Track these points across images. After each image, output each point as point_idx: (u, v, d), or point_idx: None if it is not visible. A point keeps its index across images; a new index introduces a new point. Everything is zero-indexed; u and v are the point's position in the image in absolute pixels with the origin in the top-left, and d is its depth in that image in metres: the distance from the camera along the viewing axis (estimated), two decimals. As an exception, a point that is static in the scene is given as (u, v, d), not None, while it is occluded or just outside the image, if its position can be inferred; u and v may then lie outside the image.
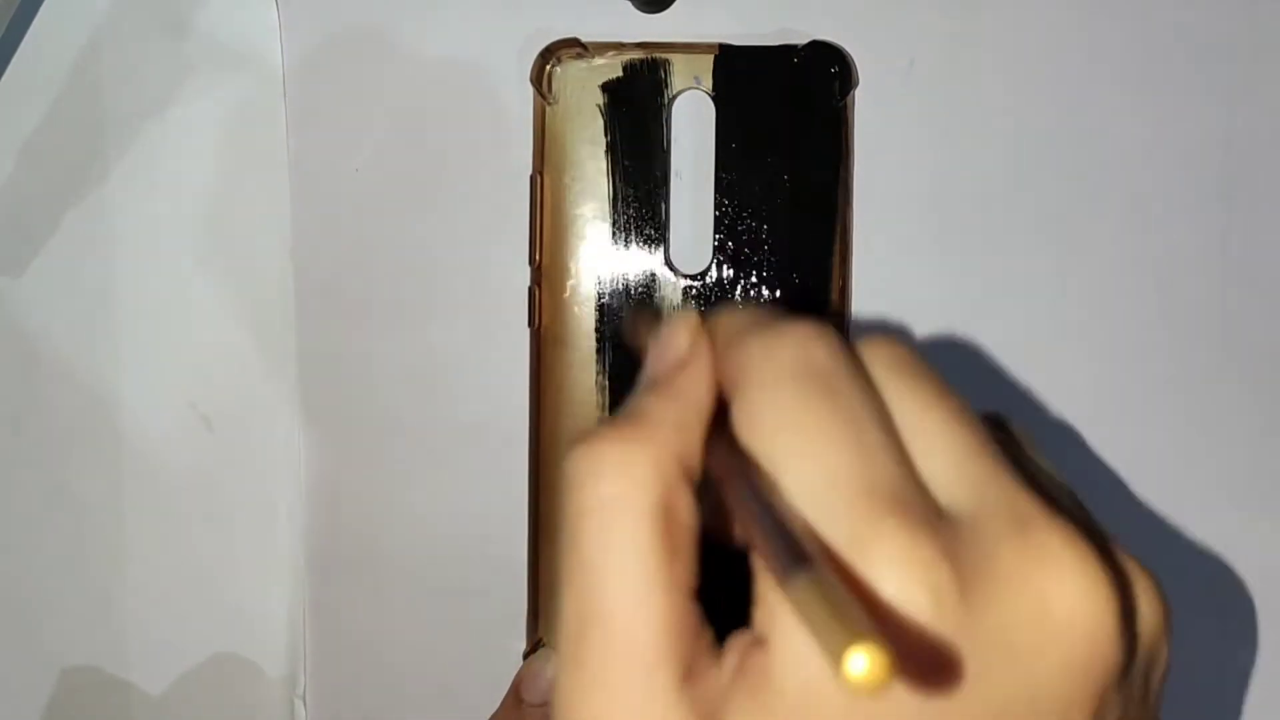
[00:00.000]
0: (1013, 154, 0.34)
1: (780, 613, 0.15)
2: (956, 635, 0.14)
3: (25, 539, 0.35)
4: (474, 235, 0.34)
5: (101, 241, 0.35)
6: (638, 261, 0.33)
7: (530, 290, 0.33)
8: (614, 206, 0.33)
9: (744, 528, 0.15)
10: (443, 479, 0.34)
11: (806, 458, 0.15)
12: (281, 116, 0.34)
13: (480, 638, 0.34)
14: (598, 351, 0.33)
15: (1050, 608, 0.14)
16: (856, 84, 0.33)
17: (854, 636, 0.12)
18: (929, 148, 0.34)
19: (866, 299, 0.33)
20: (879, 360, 0.17)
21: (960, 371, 0.34)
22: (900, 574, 0.14)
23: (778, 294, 0.33)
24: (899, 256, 0.34)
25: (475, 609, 0.35)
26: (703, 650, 0.16)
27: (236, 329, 0.35)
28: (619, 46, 0.33)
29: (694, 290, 0.33)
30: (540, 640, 0.34)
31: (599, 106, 0.33)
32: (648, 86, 0.33)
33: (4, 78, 0.35)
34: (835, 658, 0.12)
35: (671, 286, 0.33)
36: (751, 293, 0.33)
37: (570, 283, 0.33)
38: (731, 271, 0.33)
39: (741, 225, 0.33)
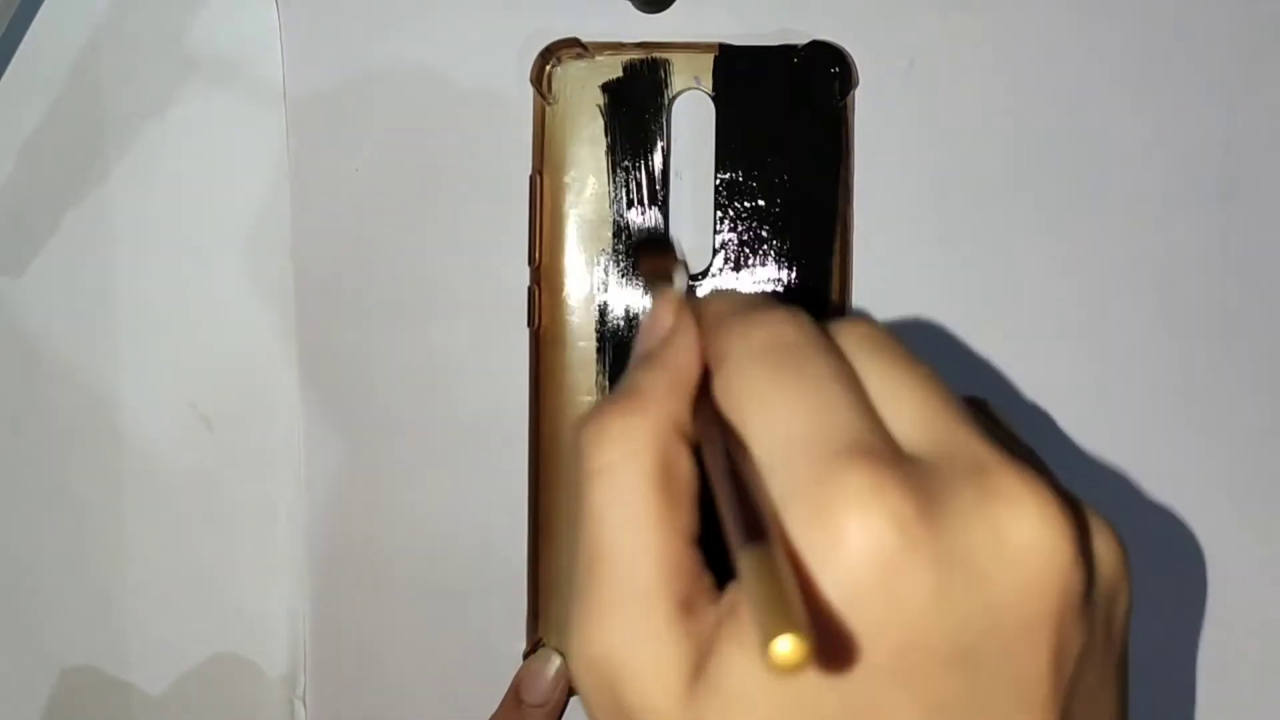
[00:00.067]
0: (1013, 154, 0.34)
1: None
2: (918, 558, 0.15)
3: (25, 539, 0.35)
4: (474, 235, 0.34)
5: (101, 241, 0.35)
6: (637, 261, 0.33)
7: (530, 290, 0.33)
8: (614, 206, 0.33)
9: (718, 500, 0.17)
10: (443, 479, 0.34)
11: (771, 417, 0.16)
12: (281, 116, 0.34)
13: (480, 638, 0.34)
14: (598, 351, 0.33)
15: (1008, 536, 0.15)
16: (856, 84, 0.33)
17: (786, 623, 0.13)
18: (929, 148, 0.34)
19: (866, 299, 0.33)
20: (850, 337, 0.18)
21: (960, 371, 0.34)
22: (863, 505, 0.15)
23: (777, 294, 0.33)
24: (899, 256, 0.34)
25: (475, 609, 0.35)
26: (702, 590, 0.17)
27: (236, 329, 0.35)
28: (619, 46, 0.33)
29: (694, 290, 0.33)
30: (540, 640, 0.34)
31: (599, 106, 0.33)
32: (648, 86, 0.33)
33: (4, 78, 0.35)
34: (766, 636, 0.13)
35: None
36: (751, 292, 0.33)
37: (570, 283, 0.33)
38: (731, 271, 0.33)
39: (741, 225, 0.33)
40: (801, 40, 0.33)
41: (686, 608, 0.17)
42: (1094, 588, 0.16)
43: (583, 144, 0.33)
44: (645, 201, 0.33)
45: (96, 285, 0.35)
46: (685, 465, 0.18)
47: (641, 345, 0.20)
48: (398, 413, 0.34)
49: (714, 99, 0.33)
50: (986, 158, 0.34)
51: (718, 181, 0.33)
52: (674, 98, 0.33)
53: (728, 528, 0.16)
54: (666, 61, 0.33)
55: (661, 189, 0.33)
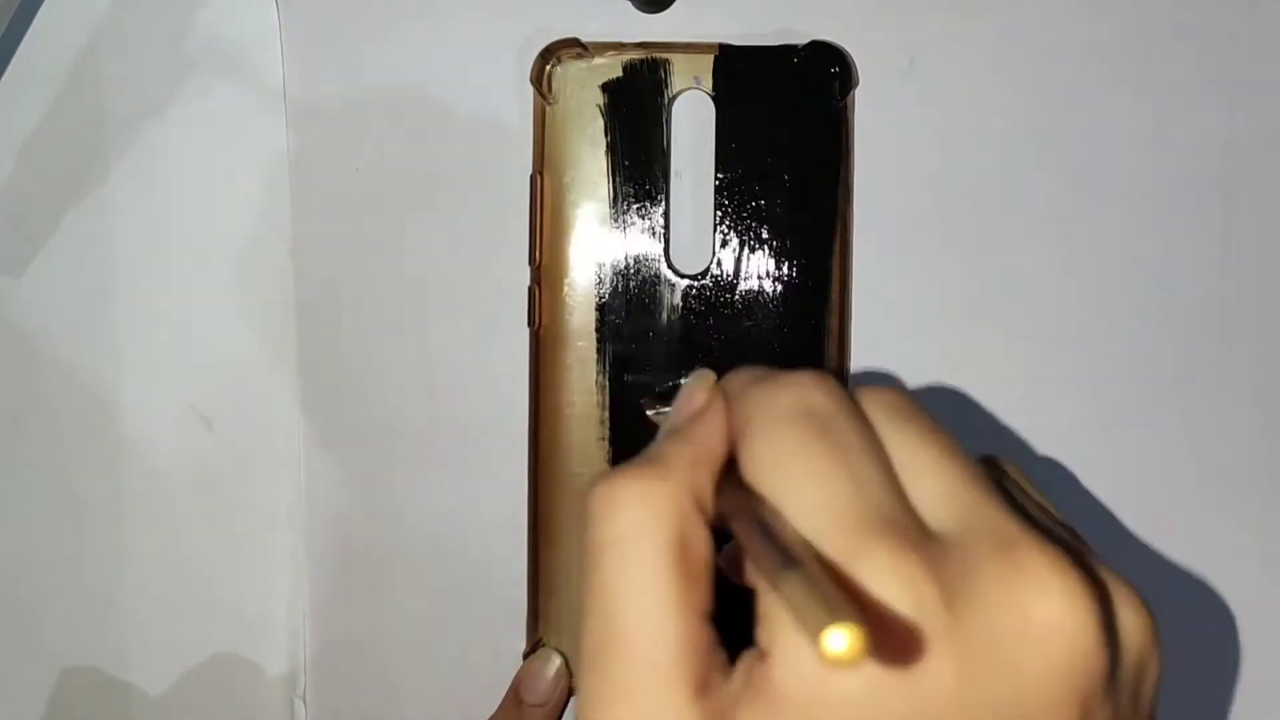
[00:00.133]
0: (1013, 154, 0.34)
1: (779, 624, 0.15)
2: (941, 642, 0.15)
3: (25, 539, 0.35)
4: (474, 235, 0.34)
5: (101, 241, 0.35)
6: (638, 261, 0.33)
7: (530, 290, 0.33)
8: (614, 206, 0.33)
9: (748, 552, 0.16)
10: (443, 479, 0.34)
11: (801, 486, 0.16)
12: (281, 116, 0.34)
13: (480, 638, 0.34)
14: (598, 351, 0.33)
15: (1032, 617, 0.15)
16: (856, 84, 0.33)
17: (833, 616, 0.13)
18: (929, 148, 0.34)
19: (866, 299, 0.33)
20: (876, 405, 0.18)
21: (959, 372, 0.34)
22: (887, 587, 0.15)
23: (778, 294, 0.33)
24: (899, 256, 0.34)
25: (475, 609, 0.35)
26: (716, 668, 0.17)
27: (236, 329, 0.35)
28: (619, 46, 0.33)
29: (694, 290, 0.33)
30: (540, 640, 0.34)
31: (599, 106, 0.33)
32: (648, 86, 0.33)
33: (4, 78, 0.35)
34: (815, 637, 0.13)
35: (671, 286, 0.33)
36: (751, 293, 0.33)
37: (570, 283, 0.33)
38: (731, 271, 0.33)
39: (741, 225, 0.33)
40: (801, 40, 0.33)
41: (703, 689, 0.16)
42: (1120, 665, 0.16)
43: (583, 144, 0.33)
44: (645, 201, 0.33)
45: (96, 285, 0.35)
46: (702, 541, 0.17)
47: (669, 422, 0.20)
48: (398, 413, 0.34)
49: (714, 99, 0.33)
50: (986, 158, 0.34)
51: (718, 181, 0.33)
52: (674, 98, 0.33)
53: (763, 572, 0.15)
54: (666, 61, 0.33)
55: (661, 189, 0.33)
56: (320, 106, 0.34)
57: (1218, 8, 0.33)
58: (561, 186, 0.33)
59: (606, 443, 0.33)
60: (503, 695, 0.33)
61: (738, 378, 0.19)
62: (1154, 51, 0.33)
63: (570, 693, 0.34)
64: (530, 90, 0.33)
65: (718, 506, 0.18)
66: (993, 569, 0.15)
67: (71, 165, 0.35)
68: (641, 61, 0.33)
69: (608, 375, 0.33)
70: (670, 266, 0.33)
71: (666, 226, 0.33)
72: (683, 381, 0.21)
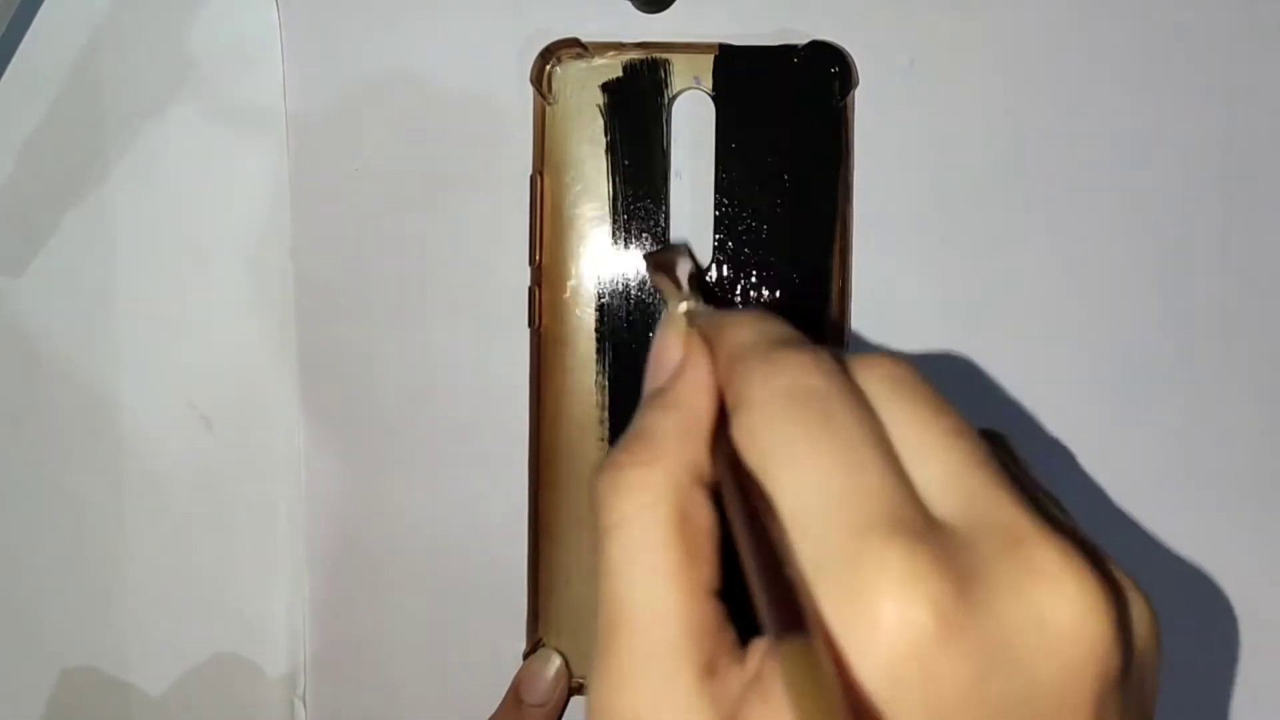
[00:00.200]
0: (1013, 154, 0.34)
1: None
2: (956, 643, 0.14)
3: (25, 539, 0.35)
4: (474, 235, 0.34)
5: (101, 241, 0.35)
6: (638, 261, 0.33)
7: (530, 290, 0.33)
8: (614, 206, 0.33)
9: (744, 558, 0.16)
10: (443, 479, 0.34)
11: (801, 478, 0.16)
12: (281, 116, 0.34)
13: (480, 638, 0.34)
14: (598, 351, 0.33)
15: (1047, 619, 0.15)
16: (856, 84, 0.33)
17: (828, 714, 0.13)
18: (929, 148, 0.34)
19: (866, 298, 0.33)
20: (875, 378, 0.17)
21: (959, 372, 0.34)
22: (898, 588, 0.14)
23: (778, 294, 0.33)
24: (899, 256, 0.34)
25: (475, 609, 0.35)
26: (725, 648, 0.17)
27: (236, 329, 0.35)
28: (619, 46, 0.33)
29: (704, 286, 0.33)
30: (540, 640, 0.34)
31: (599, 106, 0.33)
32: (648, 86, 0.33)
33: (4, 78, 0.35)
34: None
35: (671, 286, 0.33)
36: (751, 292, 0.33)
37: (570, 283, 0.33)
38: (731, 271, 0.33)
39: (741, 225, 0.33)
40: (801, 40, 0.33)
41: (710, 669, 0.16)
42: (1130, 663, 0.16)
43: (583, 144, 0.33)
44: (645, 201, 0.33)
45: (96, 285, 0.35)
46: (704, 513, 0.17)
47: (651, 380, 0.19)
48: (398, 413, 0.34)
49: (714, 99, 0.33)
50: (986, 158, 0.34)
51: (717, 181, 0.33)
52: (674, 98, 0.33)
53: (758, 599, 0.15)
54: (666, 61, 0.33)
55: (662, 189, 0.33)
56: (320, 106, 0.34)
57: (1218, 8, 0.33)
58: (561, 186, 0.33)
59: (606, 443, 0.33)
60: (503, 695, 0.33)
61: (729, 334, 0.19)
62: (1154, 51, 0.33)
63: (570, 693, 0.34)
64: (530, 90, 0.33)
65: (713, 471, 0.18)
66: (1005, 566, 0.15)
67: (71, 165, 0.35)
68: (641, 61, 0.33)
69: (608, 375, 0.33)
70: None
71: (666, 226, 0.33)
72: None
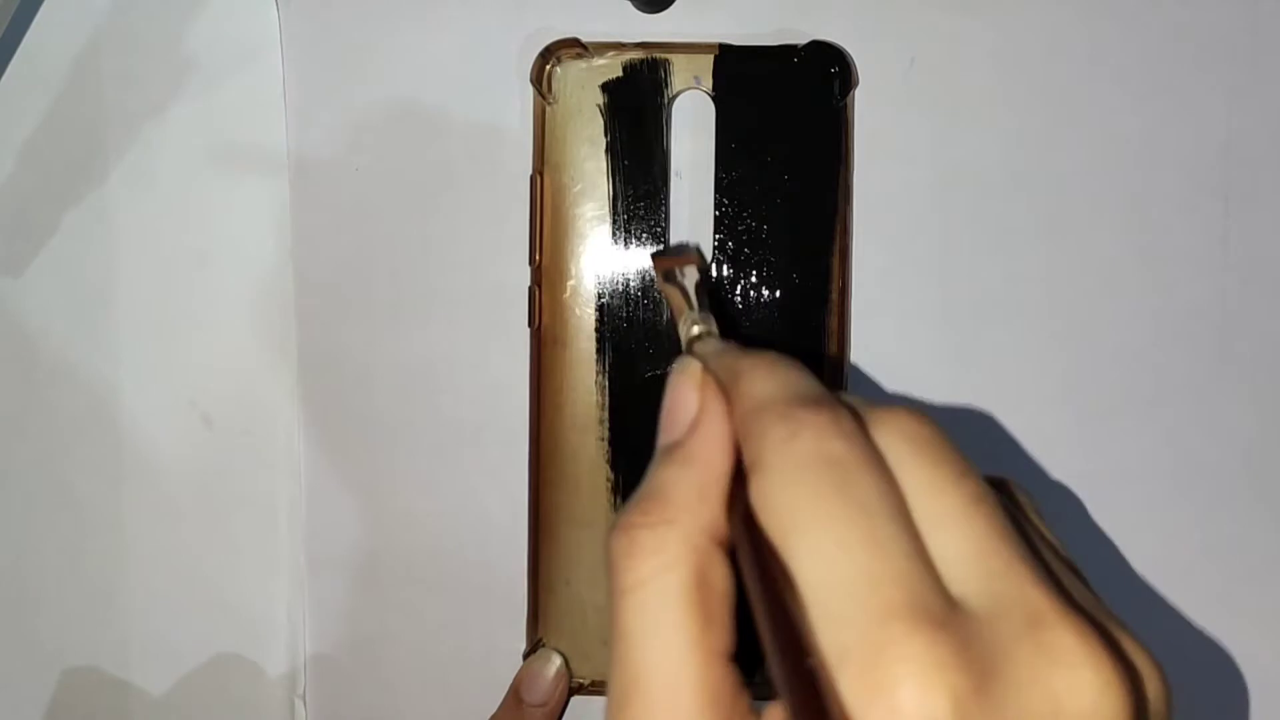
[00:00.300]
0: (1013, 154, 0.34)
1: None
2: None
3: (25, 539, 0.35)
4: (474, 235, 0.34)
5: (101, 241, 0.35)
6: (638, 261, 0.33)
7: (530, 290, 0.33)
8: (614, 206, 0.33)
9: (761, 629, 0.16)
10: (443, 479, 0.34)
11: (820, 553, 0.16)
12: (281, 116, 0.34)
13: (480, 638, 0.34)
14: (598, 351, 0.33)
15: (1064, 705, 0.15)
16: (856, 84, 0.33)
17: None
18: (929, 148, 0.34)
19: (866, 299, 0.33)
20: (896, 436, 0.17)
21: (958, 371, 0.34)
22: (917, 679, 0.14)
23: (778, 294, 0.33)
24: (899, 256, 0.34)
25: (475, 609, 0.35)
26: (740, 713, 0.16)
27: (236, 329, 0.35)
28: (619, 46, 0.33)
29: (708, 292, 0.33)
30: (540, 640, 0.34)
31: (599, 106, 0.33)
32: (648, 86, 0.33)
33: (4, 78, 0.35)
34: None
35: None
36: (751, 293, 0.33)
37: (570, 283, 0.33)
38: (731, 271, 0.33)
39: (741, 225, 0.33)
40: (801, 40, 0.33)
41: None
42: None
43: (583, 144, 0.33)
44: (645, 201, 0.33)
45: (96, 285, 0.35)
46: (721, 576, 0.17)
47: (665, 431, 0.19)
48: (398, 412, 0.34)
49: (714, 99, 0.33)
50: (986, 158, 0.34)
51: (717, 181, 0.33)
52: (674, 98, 0.33)
53: (777, 681, 0.15)
54: (666, 61, 0.33)
55: (661, 189, 0.33)
56: (320, 107, 0.34)
57: (1218, 8, 0.33)
58: (561, 186, 0.33)
59: (606, 443, 0.33)
60: (503, 695, 0.33)
61: (746, 386, 0.18)
62: (1154, 51, 0.33)
63: (570, 693, 0.34)
64: (530, 90, 0.33)
65: (729, 531, 0.17)
66: (1023, 650, 0.15)
67: (71, 165, 0.35)
68: (641, 61, 0.33)
69: (608, 375, 0.33)
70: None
71: (666, 226, 0.33)
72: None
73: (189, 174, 0.35)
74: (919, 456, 0.17)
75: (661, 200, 0.33)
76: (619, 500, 0.33)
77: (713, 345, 0.21)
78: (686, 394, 0.19)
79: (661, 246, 0.33)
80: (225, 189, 0.35)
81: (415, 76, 0.34)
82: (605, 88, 0.33)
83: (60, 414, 0.35)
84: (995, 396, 0.34)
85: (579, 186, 0.33)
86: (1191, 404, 0.34)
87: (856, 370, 0.34)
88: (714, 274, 0.33)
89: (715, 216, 0.33)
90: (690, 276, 0.23)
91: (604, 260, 0.33)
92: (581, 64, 0.33)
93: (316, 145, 0.34)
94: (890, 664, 0.14)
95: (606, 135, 0.33)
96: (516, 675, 0.33)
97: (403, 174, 0.34)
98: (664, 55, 0.33)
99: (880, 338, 0.34)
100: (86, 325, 0.35)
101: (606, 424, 0.33)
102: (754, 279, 0.33)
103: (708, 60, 0.33)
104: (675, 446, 0.18)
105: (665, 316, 0.33)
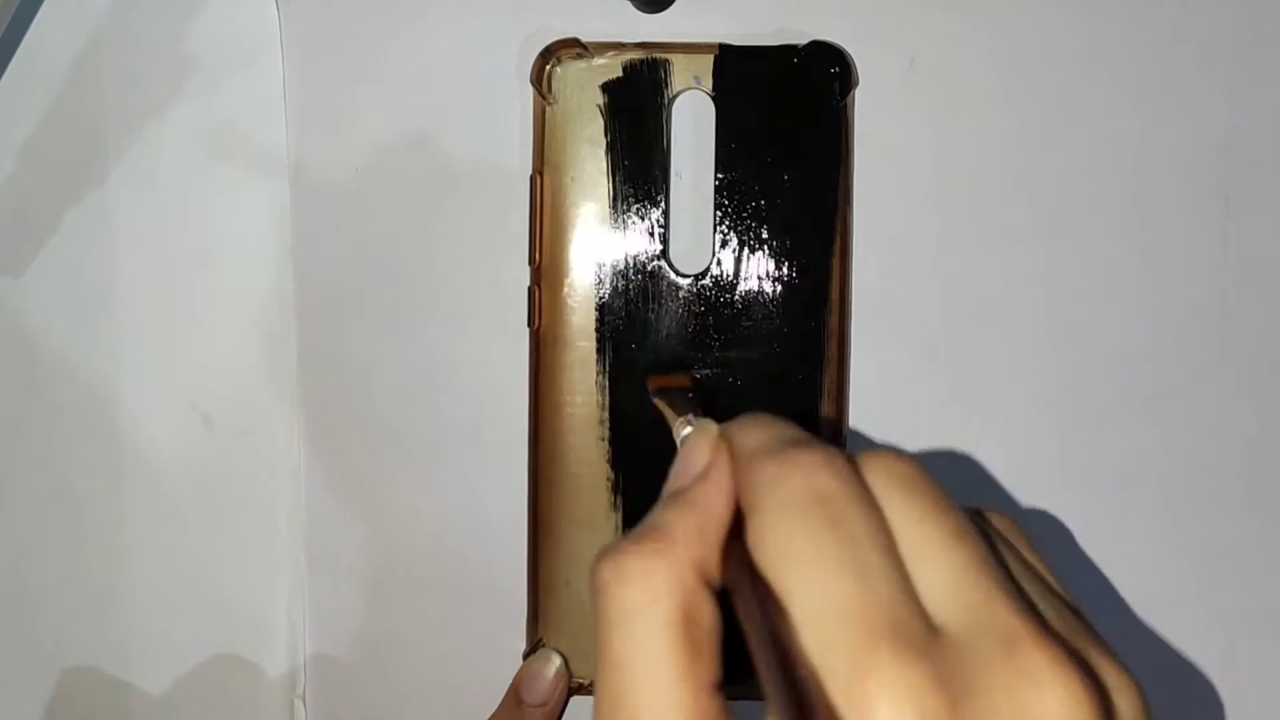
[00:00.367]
0: (1013, 154, 0.34)
1: None
2: None
3: (25, 539, 0.35)
4: (474, 235, 0.34)
5: (101, 241, 0.35)
6: (638, 261, 0.33)
7: (530, 290, 0.33)
8: (614, 206, 0.33)
9: (756, 660, 0.17)
10: (443, 479, 0.34)
11: (810, 588, 0.16)
12: (281, 116, 0.34)
13: (480, 638, 0.34)
14: (598, 351, 0.33)
15: None
16: (856, 84, 0.33)
17: None
18: (929, 148, 0.34)
19: (866, 298, 0.33)
20: (883, 474, 0.18)
21: (958, 371, 0.34)
22: (893, 702, 0.15)
23: (777, 294, 0.33)
24: (899, 256, 0.34)
25: (475, 609, 0.35)
26: None
27: (236, 329, 0.35)
28: (619, 46, 0.33)
29: (694, 290, 0.33)
30: (540, 640, 0.34)
31: (599, 106, 0.33)
32: (648, 86, 0.33)
33: (4, 78, 0.35)
34: None
35: (671, 286, 0.33)
36: (751, 292, 0.33)
37: (570, 283, 0.33)
38: (731, 271, 0.33)
39: (741, 225, 0.33)
40: (801, 40, 0.33)
41: None
42: None
43: (583, 144, 0.33)
44: (645, 201, 0.33)
45: (96, 285, 0.35)
46: (707, 614, 0.17)
47: (674, 480, 0.20)
48: (397, 412, 0.34)
49: (714, 99, 0.33)
50: (986, 158, 0.34)
51: (718, 181, 0.33)
52: (674, 98, 0.33)
53: (771, 704, 0.16)
54: (666, 61, 0.33)
55: (662, 189, 0.33)
56: (320, 107, 0.34)
57: (1218, 8, 0.33)
58: (561, 186, 0.33)
59: (606, 443, 0.33)
60: (503, 695, 0.33)
61: (747, 438, 0.19)
62: (1154, 51, 0.33)
63: (570, 693, 0.34)
64: (530, 90, 0.33)
65: (723, 574, 0.18)
66: (998, 674, 0.16)
67: (71, 165, 0.35)
68: (641, 61, 0.33)
69: (608, 375, 0.33)
70: (670, 266, 0.33)
71: (666, 226, 0.33)
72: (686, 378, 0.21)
73: (189, 174, 0.35)
74: (905, 494, 0.18)
75: (661, 200, 0.33)
76: (619, 500, 0.33)
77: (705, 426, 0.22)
78: (700, 449, 0.20)
79: (660, 378, 0.33)
80: (225, 189, 0.35)
81: (415, 76, 0.34)
82: (605, 88, 0.33)
83: (60, 414, 0.35)
84: (995, 396, 0.34)
85: (579, 186, 0.33)
86: (1191, 404, 0.34)
87: (857, 370, 0.34)
88: (714, 273, 0.33)
89: (715, 216, 0.33)
90: (682, 392, 0.24)
91: (604, 260, 0.33)
92: (581, 64, 0.33)
93: (316, 145, 0.34)
94: (870, 687, 0.15)
95: (606, 135, 0.33)
96: (516, 675, 0.33)
97: (403, 174, 0.34)
98: (664, 55, 0.33)
99: (880, 338, 0.34)
100: (86, 325, 0.35)
101: (606, 424, 0.33)
102: (754, 279, 0.33)
103: (708, 60, 0.33)
104: (679, 492, 0.19)
105: (664, 317, 0.33)
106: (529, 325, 0.33)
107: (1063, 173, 0.34)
